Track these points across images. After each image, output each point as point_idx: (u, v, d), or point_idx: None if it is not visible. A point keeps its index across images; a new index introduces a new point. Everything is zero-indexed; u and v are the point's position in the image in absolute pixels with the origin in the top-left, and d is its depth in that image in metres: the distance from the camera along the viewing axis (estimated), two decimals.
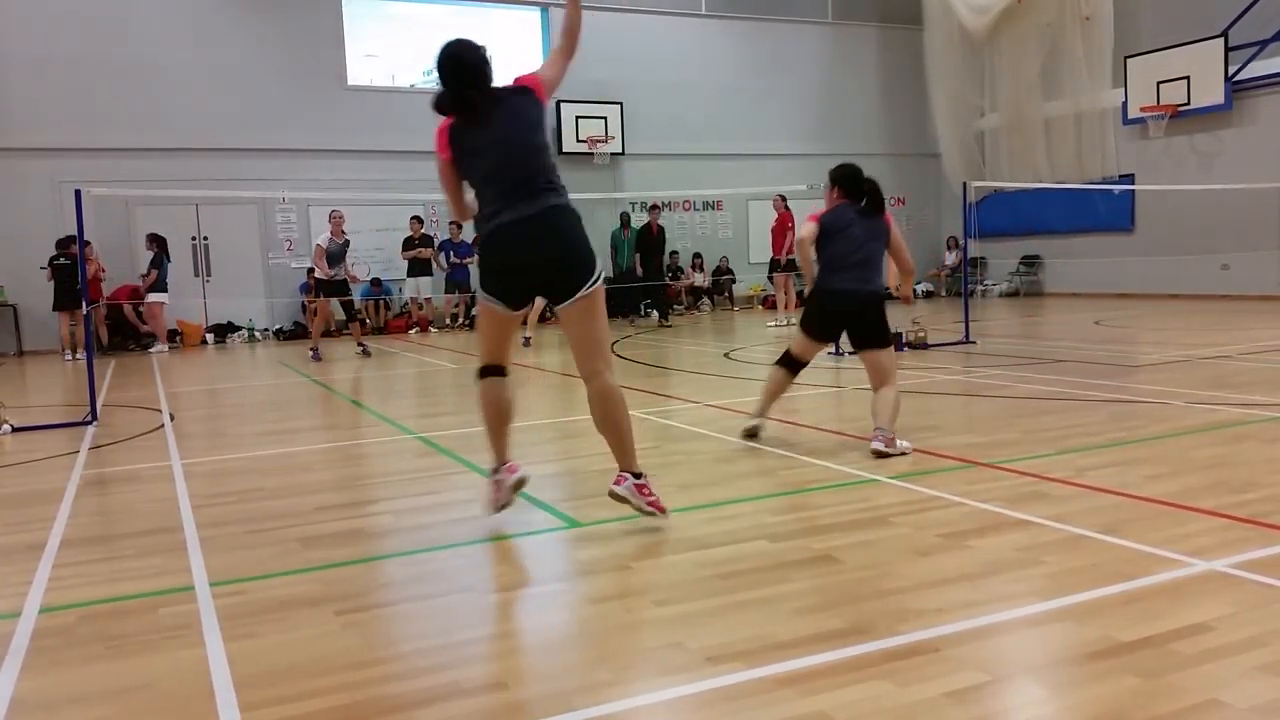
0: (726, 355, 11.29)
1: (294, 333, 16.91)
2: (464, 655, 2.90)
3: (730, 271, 20.66)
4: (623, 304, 17.57)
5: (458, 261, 17.15)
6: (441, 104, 3.86)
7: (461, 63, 3.83)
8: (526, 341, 12.70)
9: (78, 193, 7.70)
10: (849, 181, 5.64)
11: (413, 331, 17.03)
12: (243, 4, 16.71)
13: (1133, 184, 18.23)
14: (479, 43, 3.93)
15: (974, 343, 11.12)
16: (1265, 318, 13.30)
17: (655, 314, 17.47)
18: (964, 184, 12.66)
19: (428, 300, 17.37)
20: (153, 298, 15.07)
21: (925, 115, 21.14)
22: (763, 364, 5.96)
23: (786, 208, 15.36)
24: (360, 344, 13.18)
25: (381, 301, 17.59)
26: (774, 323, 15.21)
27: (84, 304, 8.72)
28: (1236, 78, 16.82)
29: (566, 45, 4.07)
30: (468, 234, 16.14)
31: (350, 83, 17.58)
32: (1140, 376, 8.13)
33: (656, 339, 14.10)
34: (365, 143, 17.10)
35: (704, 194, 19.69)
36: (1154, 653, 2.65)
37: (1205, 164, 17.54)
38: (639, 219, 18.05)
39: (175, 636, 3.07)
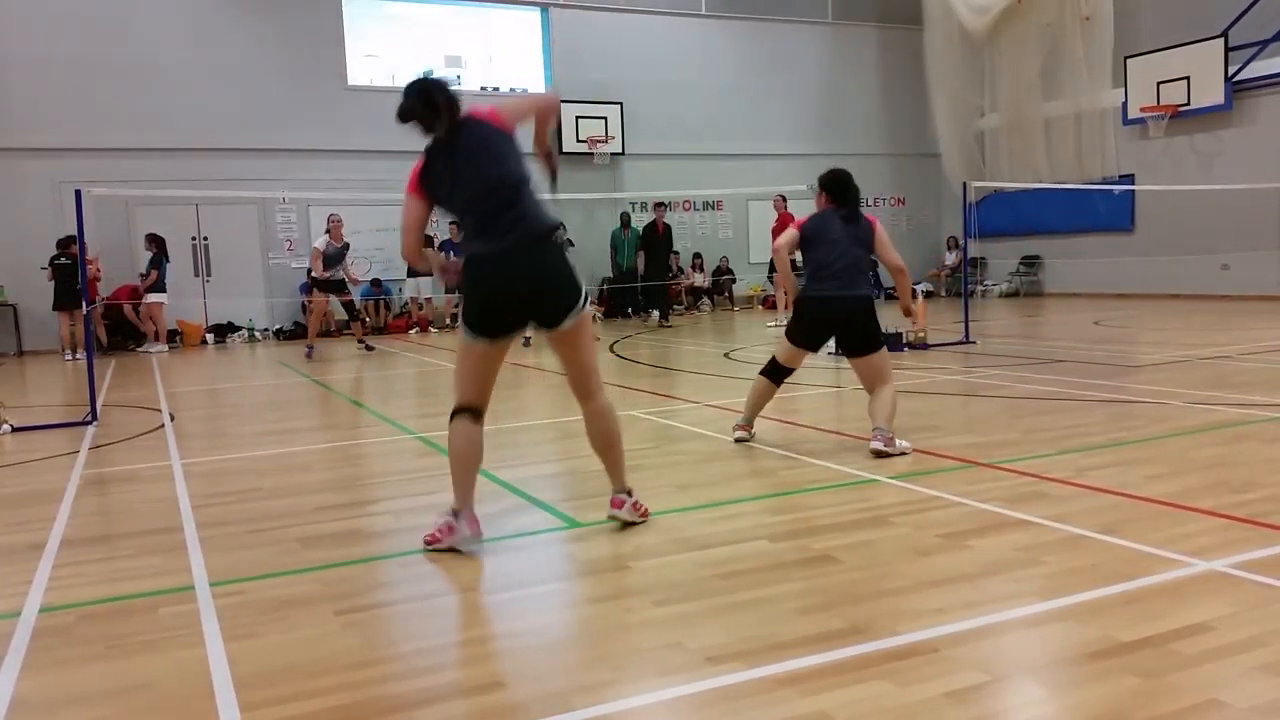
0: (726, 355, 11.29)
1: (294, 333, 16.89)
2: (464, 655, 2.90)
3: (730, 271, 20.66)
4: (624, 303, 17.55)
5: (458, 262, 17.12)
6: (406, 111, 3.78)
7: (428, 86, 3.79)
8: (526, 342, 12.69)
9: (78, 193, 7.70)
10: (836, 186, 5.59)
11: (413, 331, 17.04)
12: (243, 4, 16.71)
13: (1133, 184, 18.22)
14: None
15: (974, 343, 11.11)
16: (1265, 318, 13.30)
17: (655, 314, 17.47)
18: (964, 184, 12.65)
19: (428, 300, 17.40)
20: (152, 298, 15.07)
21: (925, 115, 21.12)
22: (763, 364, 5.95)
23: (786, 208, 15.35)
24: (361, 341, 13.19)
25: (382, 301, 17.60)
26: (774, 323, 15.18)
27: (84, 304, 8.72)
28: (1236, 78, 16.81)
29: (538, 119, 4.07)
30: None
31: (350, 83, 17.58)
32: (1140, 376, 8.13)
33: (657, 339, 14.10)
34: (365, 143, 17.06)
35: (704, 194, 19.69)
36: (1154, 653, 2.65)
37: (1205, 164, 17.53)
38: (640, 219, 18.05)
39: (175, 636, 3.08)
